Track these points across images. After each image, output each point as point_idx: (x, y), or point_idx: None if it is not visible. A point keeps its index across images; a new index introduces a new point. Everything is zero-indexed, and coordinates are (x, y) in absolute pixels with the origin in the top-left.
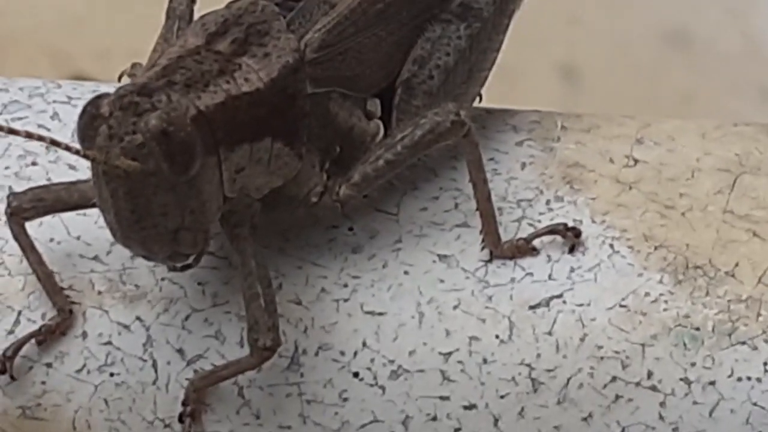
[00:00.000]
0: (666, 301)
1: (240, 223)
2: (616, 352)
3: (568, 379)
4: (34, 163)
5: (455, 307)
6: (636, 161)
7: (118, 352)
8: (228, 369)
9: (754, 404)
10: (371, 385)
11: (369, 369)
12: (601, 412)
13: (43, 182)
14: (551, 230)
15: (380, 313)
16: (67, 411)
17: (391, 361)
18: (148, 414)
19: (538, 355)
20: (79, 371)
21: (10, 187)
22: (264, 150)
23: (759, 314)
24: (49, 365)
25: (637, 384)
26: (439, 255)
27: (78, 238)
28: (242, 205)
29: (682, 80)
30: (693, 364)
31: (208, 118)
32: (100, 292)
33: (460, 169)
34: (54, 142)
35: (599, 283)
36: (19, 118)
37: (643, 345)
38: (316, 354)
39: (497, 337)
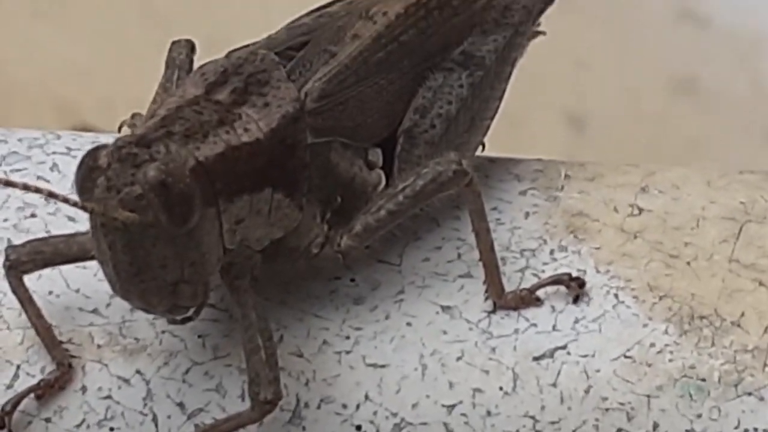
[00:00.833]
0: (671, 352)
1: (240, 274)
2: (622, 404)
3: (573, 431)
4: (32, 215)
5: (458, 359)
6: (640, 210)
7: (118, 407)
8: (229, 423)
9: None
10: None
11: (372, 422)
12: None
13: (42, 234)
14: (555, 280)
15: (383, 366)
16: None
17: (394, 414)
18: None
19: (543, 407)
20: (78, 426)
21: (8, 240)
22: (264, 201)
23: (765, 364)
24: (48, 420)
25: None
26: (442, 306)
27: (77, 291)
28: (242, 257)
29: (690, 127)
30: (699, 416)
31: (207, 168)
32: (99, 346)
33: (462, 218)
34: (51, 195)
35: (604, 334)
36: (18, 170)
37: (648, 396)
38: (318, 407)
39: (501, 388)
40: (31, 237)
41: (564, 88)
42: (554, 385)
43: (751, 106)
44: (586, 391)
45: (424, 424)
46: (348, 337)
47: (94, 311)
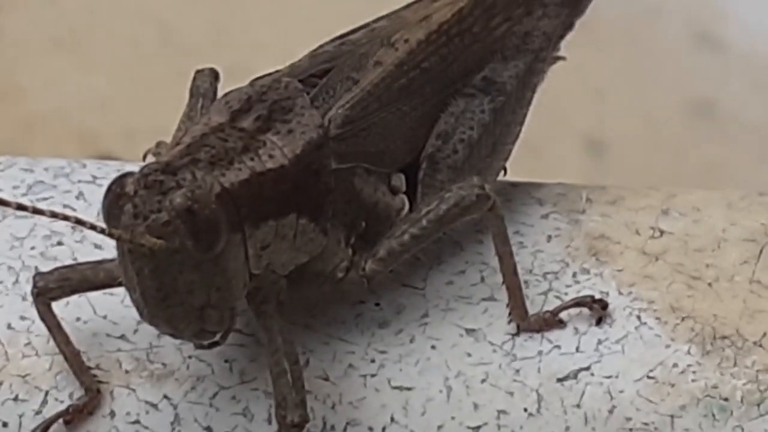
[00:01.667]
0: (694, 372)
1: (266, 299)
2: (645, 424)
3: None
4: (59, 243)
5: (483, 381)
6: (662, 232)
7: (146, 431)
8: None
9: None
10: None
11: None
12: None
13: (69, 262)
14: (578, 303)
15: (408, 388)
16: None
17: None
18: None
19: (567, 428)
20: None
21: (36, 268)
22: (289, 226)
23: None
24: None
25: None
26: (466, 329)
27: (104, 317)
28: (268, 282)
29: (708, 151)
30: None
31: (232, 195)
32: (127, 371)
33: (486, 242)
34: (79, 222)
35: (627, 355)
36: (45, 198)
37: (671, 416)
38: (345, 430)
39: (525, 410)
40: (58, 264)
41: (582, 113)
42: (578, 406)
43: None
44: (610, 412)
45: None
46: (373, 361)
47: (122, 337)
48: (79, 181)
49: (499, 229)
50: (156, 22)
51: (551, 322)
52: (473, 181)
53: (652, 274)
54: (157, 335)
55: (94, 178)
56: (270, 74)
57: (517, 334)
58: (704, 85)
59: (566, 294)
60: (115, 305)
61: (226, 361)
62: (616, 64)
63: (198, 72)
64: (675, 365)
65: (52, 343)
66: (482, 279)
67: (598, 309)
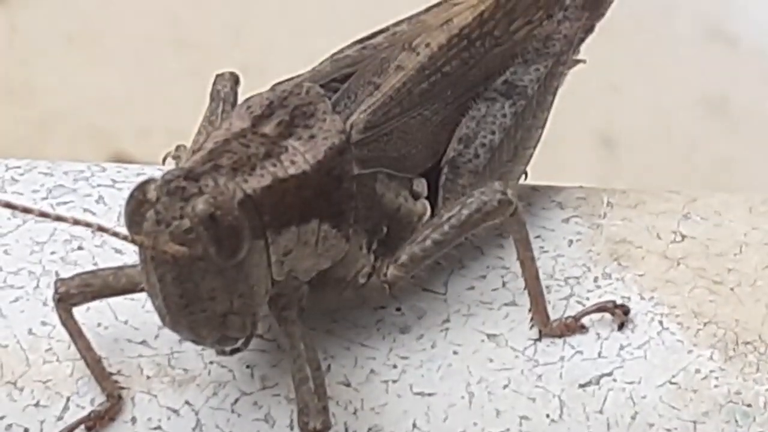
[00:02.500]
0: (717, 378)
1: (288, 305)
2: (668, 430)
3: None
4: (80, 248)
5: (505, 387)
6: (683, 237)
7: None
8: None
9: None
10: None
11: None
12: None
13: (90, 267)
14: (600, 308)
15: (430, 394)
16: None
17: None
18: None
19: None
20: None
21: (56, 273)
22: (311, 232)
23: None
24: None
25: None
26: (487, 334)
27: (125, 322)
28: (290, 288)
29: (722, 148)
30: None
31: (255, 201)
32: (148, 377)
33: (507, 247)
34: (101, 228)
35: (649, 361)
36: (65, 203)
37: (694, 422)
38: None
39: (548, 416)
40: (78, 269)
41: (596, 110)
42: (601, 411)
43: None
44: (633, 418)
45: None
46: (395, 366)
47: (143, 343)
48: (99, 185)
49: (520, 234)
50: (170, 20)
51: (573, 327)
52: (495, 186)
53: (674, 279)
54: (178, 341)
55: (114, 181)
56: (291, 79)
57: (539, 339)
58: (717, 81)
59: (588, 299)
60: (136, 311)
61: (247, 366)
62: (629, 60)
63: (218, 76)
64: (697, 371)
65: (73, 348)
66: (504, 284)
67: (620, 314)
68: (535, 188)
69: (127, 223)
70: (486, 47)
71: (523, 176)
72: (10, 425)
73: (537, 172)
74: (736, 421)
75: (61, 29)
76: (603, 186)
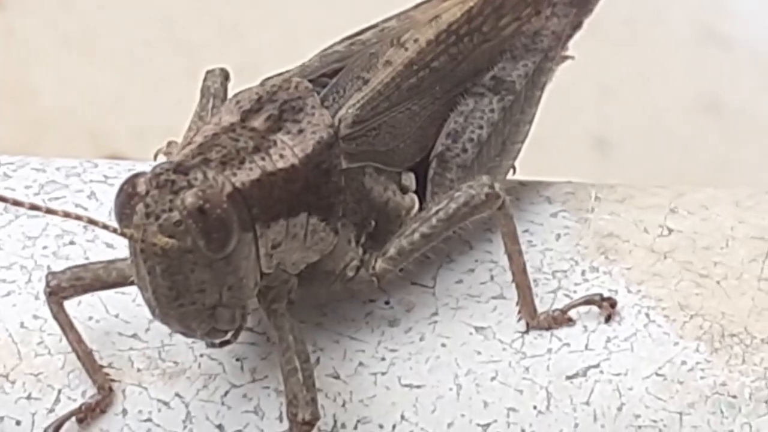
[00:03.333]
0: (702, 369)
1: (277, 298)
2: (654, 421)
3: None
4: (71, 243)
5: (493, 379)
6: (670, 231)
7: (159, 429)
8: None
9: None
10: None
11: None
12: None
13: (81, 261)
14: (587, 301)
15: (418, 386)
16: None
17: None
18: None
19: (576, 425)
20: None
21: (48, 267)
22: (300, 225)
23: None
24: None
25: None
26: (475, 327)
27: (116, 316)
28: (279, 281)
29: (715, 149)
30: None
31: (244, 194)
32: (139, 370)
33: (495, 241)
34: (91, 221)
35: (636, 353)
36: (57, 198)
37: (680, 413)
38: (355, 428)
39: (535, 407)
40: (70, 264)
41: (589, 111)
42: (587, 403)
43: None
44: (619, 409)
45: None
46: (384, 359)
47: (134, 336)
48: (91, 181)
49: (508, 227)
50: (166, 21)
51: (560, 320)
52: (483, 179)
53: (661, 272)
54: (168, 334)
55: (106, 177)
56: (280, 74)
57: (527, 332)
58: (711, 82)
59: (575, 292)
60: (127, 304)
61: (237, 359)
62: (622, 61)
63: (209, 72)
64: (683, 363)
65: (64, 341)
66: (492, 277)
67: (607, 307)
68: (523, 183)
69: (117, 216)
70: (474, 43)
71: (512, 171)
72: (2, 418)
73: (530, 172)
74: (722, 412)
75: (58, 31)
76: None
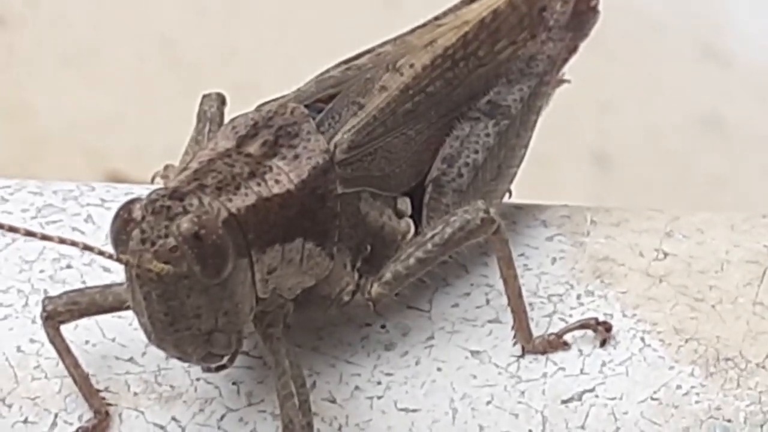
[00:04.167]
0: (698, 394)
1: (273, 323)
2: None
3: None
4: (68, 266)
5: (488, 403)
6: (665, 254)
7: None
8: None
9: None
10: None
11: None
12: None
13: (78, 285)
14: (582, 325)
15: (414, 410)
16: None
17: None
18: None
19: None
20: None
21: (45, 290)
22: (296, 250)
23: None
24: None
25: None
26: (471, 351)
27: (113, 340)
28: (275, 306)
29: (715, 166)
30: None
31: (239, 220)
32: (135, 394)
33: (491, 265)
34: (87, 247)
35: (631, 377)
36: (54, 222)
37: None
38: None
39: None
40: (67, 288)
41: (588, 128)
42: (583, 427)
43: None
44: None
45: None
46: (379, 383)
47: (130, 360)
48: (88, 204)
49: (503, 252)
50: (164, 41)
51: (556, 344)
52: (478, 205)
53: (656, 296)
54: (165, 358)
55: (103, 201)
56: (276, 99)
57: (522, 356)
58: (710, 99)
59: (571, 316)
60: (123, 328)
61: (233, 383)
62: (621, 78)
63: (205, 96)
64: (679, 387)
65: (61, 365)
66: (487, 301)
67: (603, 331)
68: (519, 207)
69: (113, 241)
70: (470, 67)
71: (508, 194)
72: None
73: (530, 190)
74: None
75: (56, 50)
76: (596, 204)
